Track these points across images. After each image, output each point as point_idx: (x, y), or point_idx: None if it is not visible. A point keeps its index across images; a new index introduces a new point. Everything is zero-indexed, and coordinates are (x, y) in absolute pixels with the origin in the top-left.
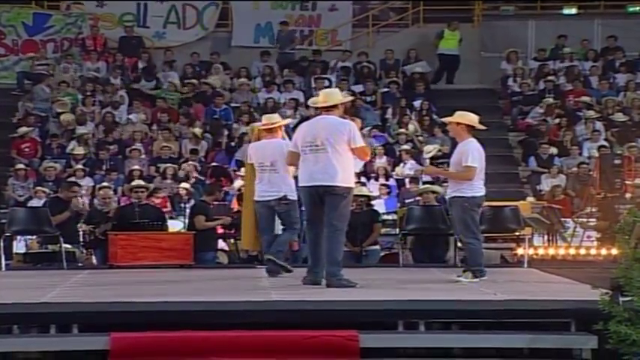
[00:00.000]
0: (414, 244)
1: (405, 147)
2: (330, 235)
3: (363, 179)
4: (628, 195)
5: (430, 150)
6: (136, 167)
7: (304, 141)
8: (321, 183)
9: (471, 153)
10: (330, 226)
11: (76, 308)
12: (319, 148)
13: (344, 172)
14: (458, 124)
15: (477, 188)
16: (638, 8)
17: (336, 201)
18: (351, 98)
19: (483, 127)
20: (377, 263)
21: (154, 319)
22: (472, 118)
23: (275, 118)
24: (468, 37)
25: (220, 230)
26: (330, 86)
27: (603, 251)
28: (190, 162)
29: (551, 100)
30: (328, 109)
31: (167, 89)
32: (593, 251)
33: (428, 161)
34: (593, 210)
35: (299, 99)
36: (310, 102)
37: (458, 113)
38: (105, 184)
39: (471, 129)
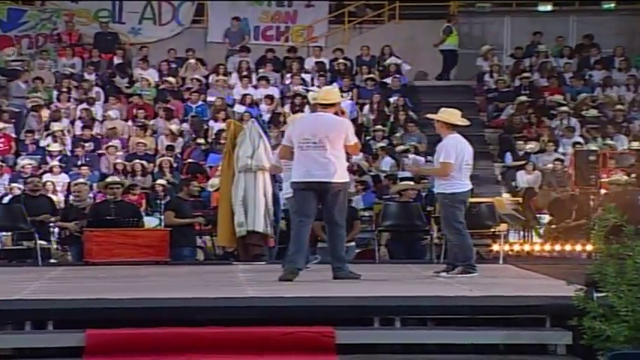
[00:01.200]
0: (391, 240)
1: (381, 144)
2: (332, 232)
3: None
4: (602, 191)
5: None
6: (119, 161)
7: (302, 137)
8: (318, 179)
9: (445, 149)
10: (331, 222)
11: (51, 305)
12: (318, 145)
13: (341, 169)
14: (438, 121)
15: (458, 185)
16: (612, 5)
17: (335, 197)
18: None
19: (462, 123)
20: (353, 259)
21: (129, 316)
22: (448, 116)
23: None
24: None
25: (197, 227)
26: (305, 84)
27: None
28: (166, 158)
29: (523, 99)
30: (326, 106)
31: (142, 85)
32: (568, 247)
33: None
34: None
35: (274, 95)
36: (310, 97)
37: (441, 110)
38: (80, 180)
39: (452, 125)
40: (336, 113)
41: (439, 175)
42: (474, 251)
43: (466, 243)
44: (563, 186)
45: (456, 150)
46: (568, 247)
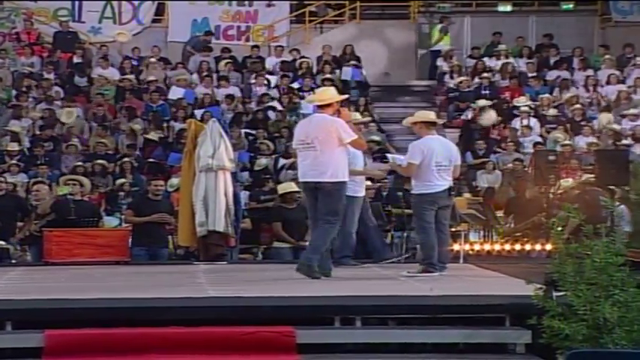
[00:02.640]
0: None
1: None
2: (320, 225)
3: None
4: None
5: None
6: (79, 163)
7: (298, 139)
8: (311, 179)
9: (412, 150)
10: (321, 220)
11: (9, 305)
12: (309, 146)
13: (333, 169)
14: (415, 123)
15: (426, 185)
16: (571, 6)
17: (326, 196)
18: (345, 96)
19: (439, 121)
20: None
21: (89, 316)
22: (424, 115)
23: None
24: (404, 34)
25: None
26: (268, 84)
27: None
28: (127, 158)
29: (483, 102)
30: (322, 107)
31: (101, 84)
32: (527, 247)
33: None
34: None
35: (235, 94)
36: (307, 100)
37: (417, 113)
38: (39, 179)
39: (430, 125)
40: (337, 113)
41: (405, 174)
42: (436, 251)
43: (429, 242)
44: (522, 186)
45: (423, 151)
46: (528, 247)
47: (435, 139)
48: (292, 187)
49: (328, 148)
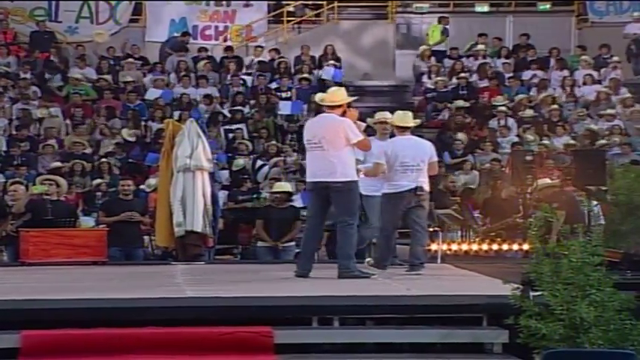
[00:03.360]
0: (330, 240)
1: None
2: (340, 229)
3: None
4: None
5: None
6: (58, 164)
7: (306, 139)
8: (321, 179)
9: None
10: (340, 221)
11: None
12: (317, 146)
13: (343, 167)
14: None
15: (390, 185)
16: (548, 6)
17: (339, 196)
18: (354, 98)
19: (406, 124)
20: (293, 259)
21: (66, 317)
22: (397, 118)
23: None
24: (382, 34)
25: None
26: (245, 83)
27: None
28: (104, 159)
29: (461, 103)
30: (332, 107)
31: (79, 84)
32: (505, 246)
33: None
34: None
35: (213, 94)
36: (317, 99)
37: (396, 113)
38: (17, 179)
39: (403, 127)
40: (343, 114)
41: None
42: (386, 255)
43: (382, 244)
44: (499, 187)
45: (387, 152)
46: (505, 247)
47: (405, 140)
48: (282, 187)
49: (336, 147)
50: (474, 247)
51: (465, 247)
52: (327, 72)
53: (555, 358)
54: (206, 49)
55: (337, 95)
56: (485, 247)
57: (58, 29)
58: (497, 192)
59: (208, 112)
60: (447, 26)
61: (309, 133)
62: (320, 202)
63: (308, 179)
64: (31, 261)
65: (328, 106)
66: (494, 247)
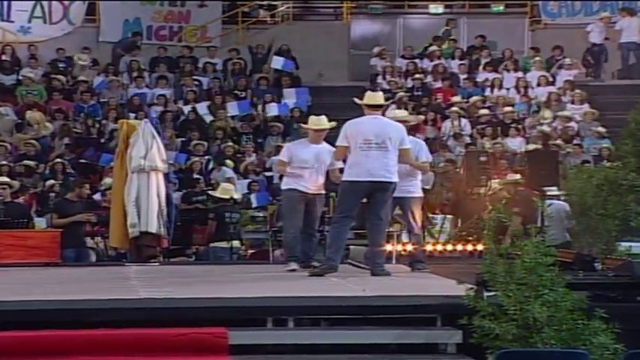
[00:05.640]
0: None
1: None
2: (377, 227)
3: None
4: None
5: None
6: (4, 162)
7: (364, 138)
8: (380, 179)
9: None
10: (378, 218)
11: None
12: (381, 146)
13: (395, 169)
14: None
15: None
16: (501, 7)
17: (387, 196)
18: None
19: (373, 102)
20: (247, 260)
21: (17, 319)
22: (367, 99)
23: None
24: (337, 34)
25: (88, 228)
26: (200, 85)
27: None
28: (58, 159)
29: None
30: (376, 108)
31: (29, 84)
32: (459, 247)
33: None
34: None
35: (167, 95)
36: (366, 100)
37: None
38: None
39: (370, 107)
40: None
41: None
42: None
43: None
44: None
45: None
46: (460, 247)
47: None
48: (232, 192)
49: (395, 149)
50: (428, 247)
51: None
52: (277, 62)
53: (508, 358)
54: (165, 49)
55: (380, 97)
56: (439, 247)
57: (10, 29)
58: (459, 192)
59: (161, 112)
60: (450, 28)
61: (369, 133)
62: (359, 200)
63: (359, 178)
64: None
65: (372, 107)
66: (449, 247)
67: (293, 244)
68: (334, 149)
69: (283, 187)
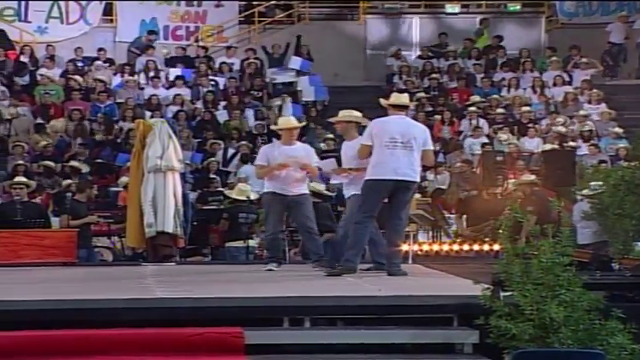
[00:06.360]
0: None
1: None
2: (397, 227)
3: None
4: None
5: None
6: (20, 162)
7: (390, 137)
8: (404, 178)
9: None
10: (398, 218)
11: None
12: (407, 146)
13: (418, 169)
14: (348, 122)
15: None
16: (518, 7)
17: (409, 196)
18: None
19: (397, 102)
20: (263, 259)
21: (35, 318)
22: (393, 99)
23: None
24: (353, 34)
25: (105, 227)
26: (216, 85)
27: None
28: (72, 160)
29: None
30: (401, 108)
31: (47, 85)
32: (476, 247)
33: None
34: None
35: (183, 95)
36: (395, 100)
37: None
38: None
39: (394, 107)
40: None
41: (360, 158)
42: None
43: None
44: (469, 187)
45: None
46: (476, 247)
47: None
48: (248, 192)
49: (419, 149)
50: (445, 247)
51: (435, 247)
52: (295, 62)
53: (525, 358)
54: (184, 49)
55: (404, 97)
56: (456, 247)
57: (27, 29)
58: (476, 192)
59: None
60: (482, 27)
61: (395, 132)
62: (382, 199)
63: (384, 176)
64: (1, 262)
65: (397, 107)
66: (465, 247)
67: (271, 246)
68: (312, 149)
69: (263, 190)
